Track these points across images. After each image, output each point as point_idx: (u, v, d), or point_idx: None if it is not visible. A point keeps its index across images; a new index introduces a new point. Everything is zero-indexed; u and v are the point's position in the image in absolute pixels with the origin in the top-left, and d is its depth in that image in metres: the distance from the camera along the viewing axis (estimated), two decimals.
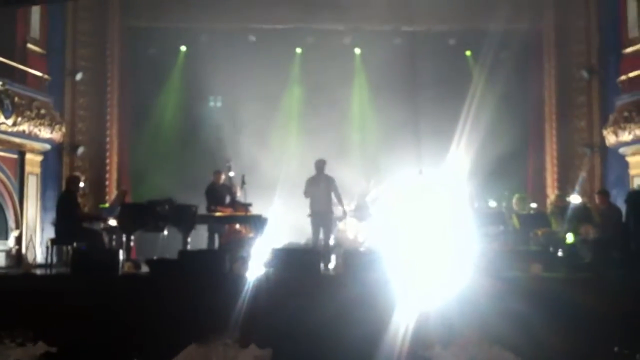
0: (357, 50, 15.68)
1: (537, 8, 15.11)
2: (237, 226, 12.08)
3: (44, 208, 13.72)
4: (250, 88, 14.41)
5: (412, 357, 6.70)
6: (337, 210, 12.74)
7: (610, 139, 13.49)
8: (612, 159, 14.02)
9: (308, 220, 12.19)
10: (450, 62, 15.28)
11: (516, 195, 12.56)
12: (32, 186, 13.52)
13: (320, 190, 12.09)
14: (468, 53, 15.65)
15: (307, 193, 12.10)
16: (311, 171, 12.31)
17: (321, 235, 12.16)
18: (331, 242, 12.43)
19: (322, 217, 12.10)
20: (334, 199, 12.42)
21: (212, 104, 15.95)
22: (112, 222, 11.21)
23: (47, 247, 10.72)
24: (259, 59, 14.82)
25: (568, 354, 6.30)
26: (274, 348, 7.40)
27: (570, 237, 11.00)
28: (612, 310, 8.09)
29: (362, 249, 12.20)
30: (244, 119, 14.29)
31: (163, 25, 15.04)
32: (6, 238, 12.97)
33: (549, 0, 15.13)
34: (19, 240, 13.14)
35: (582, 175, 14.14)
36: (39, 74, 13.53)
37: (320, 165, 12.25)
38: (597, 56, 14.64)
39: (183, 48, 15.50)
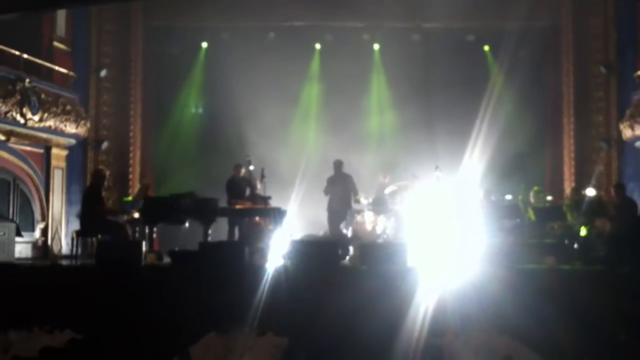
0: (376, 47, 15.79)
1: (555, 5, 15.15)
2: (257, 219, 12.28)
3: (69, 201, 14.07)
4: (270, 84, 14.59)
5: (424, 346, 6.87)
6: (357, 205, 12.99)
7: (627, 133, 13.57)
8: (629, 153, 14.08)
9: (326, 213, 12.43)
10: (469, 59, 15.32)
11: (533, 189, 12.68)
12: (57, 180, 13.88)
13: (337, 189, 12.38)
14: (486, 49, 15.70)
15: (326, 191, 12.42)
16: (328, 164, 12.57)
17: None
18: (349, 234, 12.66)
19: (336, 214, 12.38)
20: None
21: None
22: (136, 215, 11.47)
23: (72, 239, 11.01)
24: (279, 55, 14.98)
25: (577, 344, 6.45)
26: (291, 337, 7.58)
27: (583, 231, 11.09)
28: (622, 302, 8.21)
29: (379, 241, 12.38)
30: (263, 115, 14.49)
31: (184, 24, 15.28)
32: (33, 230, 13.34)
33: None
34: (44, 232, 13.51)
35: (599, 168, 14.22)
36: (64, 71, 13.88)
37: (337, 165, 12.59)
38: (615, 52, 14.68)
39: (204, 45, 15.72)
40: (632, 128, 13.35)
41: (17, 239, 11.60)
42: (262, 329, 7.68)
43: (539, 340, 6.83)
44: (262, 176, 12.43)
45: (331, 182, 12.46)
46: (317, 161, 13.83)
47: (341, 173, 12.52)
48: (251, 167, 12.71)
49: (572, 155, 14.88)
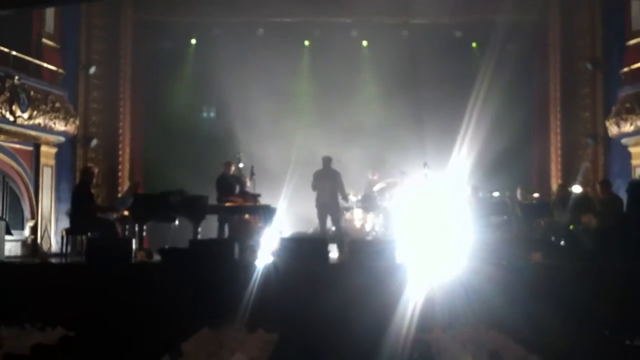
0: (365, 43, 15.85)
1: (543, 1, 15.26)
2: (247, 216, 12.34)
3: (58, 199, 14.04)
4: (259, 80, 14.61)
5: (413, 341, 6.95)
6: (346, 203, 13.07)
7: (613, 130, 13.67)
8: (615, 150, 14.18)
9: (315, 211, 12.48)
10: (457, 54, 15.41)
11: (519, 186, 12.80)
12: (47, 177, 13.85)
13: (326, 183, 12.41)
14: (474, 45, 15.78)
15: (314, 186, 12.45)
16: (318, 161, 12.62)
17: (330, 225, 12.52)
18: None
19: (327, 207, 12.44)
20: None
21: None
22: (125, 212, 11.49)
23: (62, 237, 11.02)
24: (268, 51, 15.01)
25: (563, 338, 6.56)
26: (280, 333, 7.65)
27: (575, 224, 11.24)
28: (608, 297, 8.34)
29: (368, 238, 12.47)
30: (253, 111, 14.54)
31: (174, 19, 15.28)
32: (22, 228, 13.32)
33: None
34: (34, 230, 13.50)
35: (585, 165, 14.33)
36: (53, 68, 13.85)
37: (326, 161, 12.61)
38: (601, 48, 14.78)
39: (193, 41, 15.71)
40: (618, 125, 13.46)
41: (7, 237, 11.58)
42: (252, 325, 7.74)
43: (526, 334, 6.92)
44: (252, 173, 12.49)
45: (318, 177, 12.46)
46: (306, 158, 13.87)
47: (329, 169, 12.56)
48: (241, 165, 12.75)
49: (559, 152, 15.01)
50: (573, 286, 8.67)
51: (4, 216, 12.47)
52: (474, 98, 14.99)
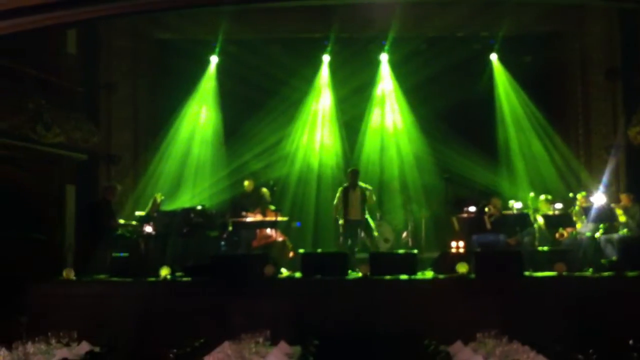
0: (383, 57, 15.84)
1: (560, 11, 15.16)
2: (268, 231, 12.38)
3: (81, 216, 14.12)
4: (278, 96, 14.71)
5: (433, 352, 6.92)
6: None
7: (635, 138, 13.56)
8: (637, 159, 14.05)
9: (337, 226, 12.48)
10: (475, 67, 15.39)
11: (542, 197, 12.74)
12: (69, 195, 13.94)
13: (354, 199, 12.28)
14: (493, 57, 15.74)
15: (341, 201, 12.29)
16: (337, 177, 12.63)
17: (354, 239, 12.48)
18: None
19: (354, 225, 12.33)
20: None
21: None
22: (148, 229, 11.58)
23: (85, 254, 11.11)
24: (286, 67, 15.04)
25: (586, 348, 6.51)
26: (303, 346, 7.67)
27: (598, 233, 11.19)
28: (631, 307, 8.30)
29: (390, 251, 12.47)
30: (271, 127, 14.59)
31: (193, 37, 15.35)
32: (45, 245, 13.40)
33: (572, 4, 15.17)
34: (57, 247, 13.57)
35: (607, 175, 14.20)
36: (75, 87, 13.99)
37: (353, 175, 12.48)
38: (620, 58, 14.68)
39: (212, 58, 15.81)
40: None
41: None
42: (275, 338, 7.76)
43: (549, 345, 6.88)
44: (272, 190, 12.52)
45: (346, 192, 12.33)
46: (325, 173, 13.91)
47: (357, 184, 12.42)
48: (261, 181, 12.80)
49: (581, 161, 14.89)
50: (596, 296, 8.62)
51: (27, 234, 12.58)
52: (493, 111, 15.01)
